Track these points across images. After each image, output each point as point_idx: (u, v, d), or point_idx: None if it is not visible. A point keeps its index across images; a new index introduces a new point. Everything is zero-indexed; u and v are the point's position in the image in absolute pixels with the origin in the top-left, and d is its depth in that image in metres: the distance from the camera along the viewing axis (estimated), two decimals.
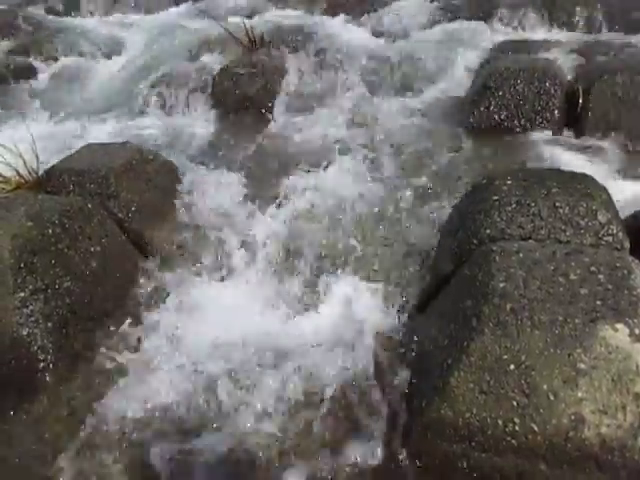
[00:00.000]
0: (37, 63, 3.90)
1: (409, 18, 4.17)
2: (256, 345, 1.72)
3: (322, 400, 1.58)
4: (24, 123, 2.47)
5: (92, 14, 5.10)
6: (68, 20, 4.81)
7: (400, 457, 1.44)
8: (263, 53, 3.47)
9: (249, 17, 4.09)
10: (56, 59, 3.99)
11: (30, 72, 3.81)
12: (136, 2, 5.14)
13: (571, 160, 2.40)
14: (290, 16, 4.47)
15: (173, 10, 5.01)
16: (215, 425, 1.55)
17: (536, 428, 1.28)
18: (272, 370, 1.65)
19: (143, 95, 3.35)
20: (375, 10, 4.50)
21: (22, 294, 1.69)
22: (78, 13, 5.13)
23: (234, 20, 3.92)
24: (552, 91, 2.65)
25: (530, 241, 1.62)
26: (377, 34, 3.87)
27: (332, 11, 4.51)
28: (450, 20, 4.13)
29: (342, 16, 4.45)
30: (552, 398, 1.28)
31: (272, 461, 1.46)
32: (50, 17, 4.79)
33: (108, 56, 4.06)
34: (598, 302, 1.37)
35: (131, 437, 1.54)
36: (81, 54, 4.08)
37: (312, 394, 1.59)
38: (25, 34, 4.27)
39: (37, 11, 4.92)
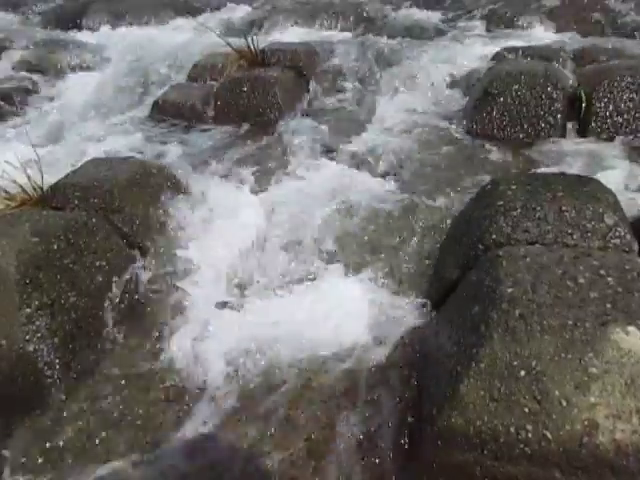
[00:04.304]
0: (40, 78, 3.94)
1: (410, 26, 4.20)
2: (261, 347, 1.71)
3: (328, 406, 1.56)
4: (28, 139, 2.48)
5: (94, 29, 5.15)
6: (70, 35, 4.86)
7: (411, 467, 1.42)
8: (265, 66, 3.50)
9: (251, 31, 4.12)
10: (59, 74, 4.02)
11: (33, 87, 3.84)
12: (139, 17, 5.19)
13: (576, 163, 2.39)
14: (291, 30, 4.52)
15: (176, 24, 5.06)
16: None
17: (549, 435, 1.26)
18: (274, 380, 1.64)
19: (146, 108, 3.38)
20: (374, 19, 4.55)
21: (28, 310, 1.68)
22: (81, 28, 5.18)
23: (236, 34, 3.95)
24: (554, 95, 2.65)
25: (537, 245, 1.61)
26: (377, 42, 3.89)
27: (331, 23, 4.56)
28: (452, 25, 4.17)
29: (341, 27, 4.50)
30: (564, 404, 1.26)
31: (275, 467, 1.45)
32: (52, 33, 4.85)
33: (111, 70, 4.09)
34: (608, 305, 1.35)
35: (137, 455, 1.52)
36: (84, 68, 4.12)
37: (317, 400, 1.58)
38: (28, 50, 4.32)
39: (39, 27, 4.98)
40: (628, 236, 1.62)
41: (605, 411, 1.24)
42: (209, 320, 1.92)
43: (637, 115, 2.57)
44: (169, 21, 5.14)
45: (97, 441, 1.56)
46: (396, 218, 2.15)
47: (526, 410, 1.28)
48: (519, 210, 1.68)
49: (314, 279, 2.00)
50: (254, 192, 2.40)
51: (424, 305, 1.83)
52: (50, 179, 2.19)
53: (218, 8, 5.44)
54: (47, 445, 1.56)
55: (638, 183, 2.24)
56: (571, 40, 3.59)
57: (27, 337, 1.66)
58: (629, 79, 2.60)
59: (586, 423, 1.24)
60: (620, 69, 2.70)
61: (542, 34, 3.85)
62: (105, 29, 5.11)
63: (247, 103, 3.24)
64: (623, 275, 1.43)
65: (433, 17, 4.46)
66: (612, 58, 2.98)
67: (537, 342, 1.32)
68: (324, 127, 3.08)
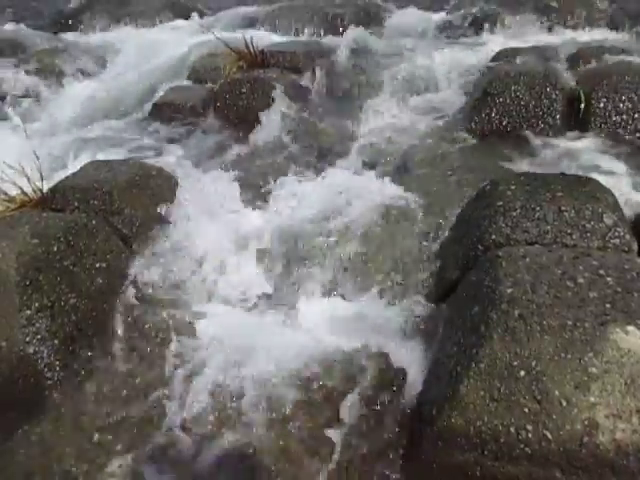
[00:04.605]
0: (41, 81, 3.94)
1: (409, 27, 4.20)
2: (262, 353, 1.71)
3: (329, 408, 1.56)
4: (28, 141, 2.49)
5: (93, 30, 5.15)
6: (70, 36, 4.86)
7: (411, 467, 1.42)
8: (264, 68, 3.50)
9: (250, 33, 4.11)
10: (59, 77, 4.02)
11: (34, 90, 3.83)
12: (138, 19, 5.19)
13: (575, 163, 2.39)
14: (290, 31, 4.52)
15: (175, 26, 5.06)
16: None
17: (549, 435, 1.26)
18: (274, 379, 1.64)
19: (146, 110, 3.39)
20: (374, 20, 4.55)
21: (28, 312, 1.69)
22: (79, 29, 5.18)
23: (236, 36, 3.95)
24: (553, 95, 2.65)
25: (536, 246, 1.61)
26: (378, 44, 3.89)
27: (330, 26, 4.56)
28: (451, 26, 4.17)
29: (341, 28, 4.49)
30: (564, 404, 1.26)
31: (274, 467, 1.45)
32: (53, 36, 4.84)
33: (110, 71, 4.10)
34: (608, 305, 1.35)
35: (137, 456, 1.53)
36: (83, 70, 4.12)
37: (319, 402, 1.58)
38: (27, 52, 4.32)
39: (40, 30, 4.97)
40: (627, 236, 1.62)
41: (605, 411, 1.24)
42: (209, 321, 1.92)
43: (636, 115, 2.57)
44: (168, 23, 5.14)
45: (97, 442, 1.56)
46: (395, 219, 2.14)
47: (526, 410, 1.28)
48: (518, 210, 1.69)
49: (314, 283, 2.00)
50: (254, 194, 2.39)
51: (424, 306, 1.83)
52: (50, 181, 2.19)
53: (217, 10, 5.44)
54: (47, 446, 1.56)
55: (637, 183, 2.24)
56: (570, 40, 3.59)
57: (27, 339, 1.67)
58: (628, 79, 2.60)
59: (586, 423, 1.24)
60: (619, 69, 2.70)
61: (541, 34, 3.86)
62: (105, 32, 5.10)
63: (246, 104, 3.24)
64: (622, 275, 1.43)
65: (432, 18, 4.45)
66: (611, 57, 2.98)
67: (537, 342, 1.32)
68: (324, 128, 3.08)
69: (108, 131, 3.30)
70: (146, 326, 1.91)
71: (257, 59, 3.55)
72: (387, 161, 2.61)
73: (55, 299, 1.75)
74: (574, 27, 3.91)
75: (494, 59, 3.17)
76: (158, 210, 2.19)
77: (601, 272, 1.44)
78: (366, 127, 3.02)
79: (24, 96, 3.75)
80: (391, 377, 1.64)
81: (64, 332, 1.74)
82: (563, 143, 2.60)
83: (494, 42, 3.63)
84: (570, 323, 1.33)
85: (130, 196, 2.13)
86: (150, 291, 2.02)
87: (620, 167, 2.38)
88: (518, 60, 3.04)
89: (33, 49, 4.36)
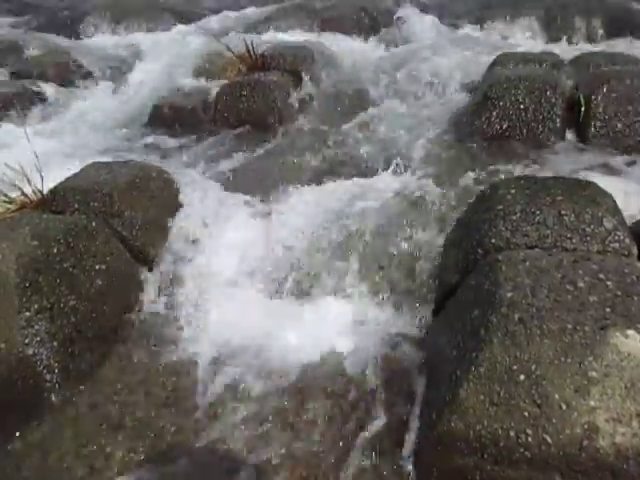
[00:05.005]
0: (42, 84, 3.94)
1: (409, 32, 4.22)
2: (262, 357, 1.71)
3: (330, 411, 1.56)
4: (29, 143, 2.48)
5: (96, 35, 5.17)
6: (72, 42, 4.88)
7: (411, 471, 1.42)
8: (264, 71, 3.51)
9: (251, 35, 4.13)
10: (60, 80, 4.03)
11: (35, 93, 3.84)
12: (140, 22, 5.21)
13: (575, 168, 2.40)
14: (290, 34, 4.53)
15: (176, 29, 5.08)
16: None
17: (549, 439, 1.26)
18: (274, 384, 1.64)
19: (147, 113, 3.39)
20: (375, 25, 4.57)
21: (27, 313, 1.68)
22: (82, 34, 5.20)
23: (236, 38, 3.96)
24: (553, 100, 2.65)
25: (536, 250, 1.61)
26: (377, 48, 3.90)
27: (330, 28, 4.57)
28: (451, 32, 4.18)
29: (340, 33, 4.51)
30: (564, 408, 1.26)
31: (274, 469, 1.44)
32: (54, 39, 4.86)
33: (112, 75, 4.11)
34: (607, 309, 1.35)
35: (136, 458, 1.52)
36: (85, 74, 4.13)
37: (319, 405, 1.58)
38: (30, 55, 4.33)
39: (42, 33, 4.99)
40: (627, 240, 1.61)
41: (605, 415, 1.24)
42: (209, 324, 1.92)
43: (636, 119, 2.58)
44: (169, 27, 5.16)
45: (96, 446, 1.56)
46: (394, 222, 2.15)
47: (526, 414, 1.28)
48: (518, 214, 1.68)
49: (316, 287, 2.00)
50: (253, 197, 2.40)
51: (424, 309, 1.83)
52: (50, 183, 2.19)
53: (218, 13, 5.46)
54: (46, 449, 1.56)
55: (637, 187, 2.24)
56: (570, 45, 3.61)
57: (26, 341, 1.66)
58: (627, 83, 2.60)
59: (586, 427, 1.24)
60: (619, 73, 2.70)
61: (542, 39, 3.87)
62: (106, 36, 5.13)
63: (247, 107, 3.25)
64: (622, 279, 1.43)
65: (432, 22, 4.47)
66: (610, 62, 2.99)
67: (537, 346, 1.32)
68: (324, 131, 3.09)
69: (108, 133, 3.32)
70: (147, 329, 1.91)
71: (257, 62, 3.56)
72: (387, 166, 2.61)
73: (55, 301, 1.75)
74: (574, 33, 3.92)
75: (494, 63, 3.17)
76: (158, 212, 2.19)
77: (601, 276, 1.44)
78: (366, 131, 3.03)
79: (25, 98, 3.75)
80: (390, 380, 1.64)
81: (63, 334, 1.74)
82: (563, 147, 2.60)
83: (495, 46, 3.64)
84: (570, 327, 1.33)
85: (130, 198, 2.13)
86: (150, 292, 2.02)
87: (620, 171, 2.39)
88: (518, 64, 3.05)
89: (35, 52, 4.37)
